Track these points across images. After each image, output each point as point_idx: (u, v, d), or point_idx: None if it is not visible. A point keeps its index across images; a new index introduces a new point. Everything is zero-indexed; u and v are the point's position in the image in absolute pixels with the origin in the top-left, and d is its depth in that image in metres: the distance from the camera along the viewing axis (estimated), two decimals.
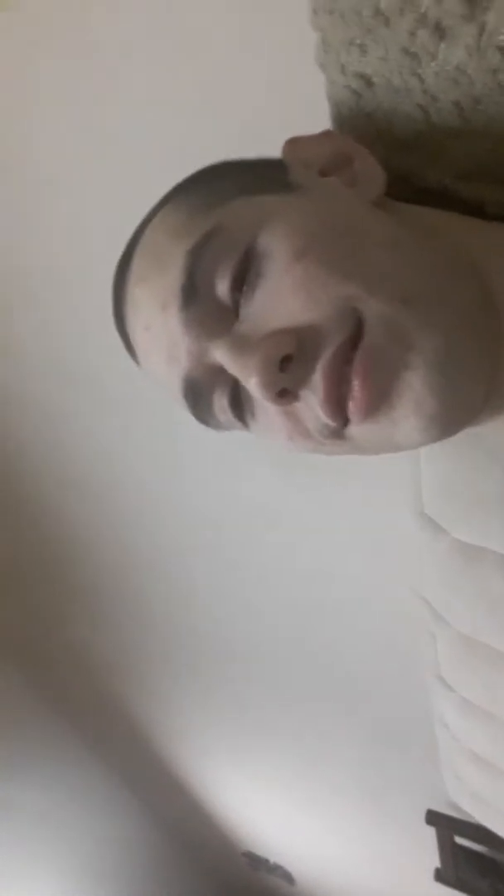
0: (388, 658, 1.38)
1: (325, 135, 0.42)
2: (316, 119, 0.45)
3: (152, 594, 1.76)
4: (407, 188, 0.43)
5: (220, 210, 0.35)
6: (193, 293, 0.35)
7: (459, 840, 1.76)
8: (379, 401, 0.33)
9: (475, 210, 0.42)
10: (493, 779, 0.66)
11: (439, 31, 0.36)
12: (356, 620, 1.35)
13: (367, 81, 0.40)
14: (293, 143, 0.42)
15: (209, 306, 0.35)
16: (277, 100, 0.65)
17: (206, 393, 0.38)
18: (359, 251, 0.33)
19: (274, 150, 0.42)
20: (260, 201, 0.35)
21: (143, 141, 0.81)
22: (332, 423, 0.34)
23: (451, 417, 0.34)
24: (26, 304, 1.15)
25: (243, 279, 0.34)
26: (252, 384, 0.33)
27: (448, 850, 1.80)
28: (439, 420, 0.33)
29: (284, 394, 0.34)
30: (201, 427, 0.41)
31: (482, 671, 0.57)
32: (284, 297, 0.33)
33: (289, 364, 0.33)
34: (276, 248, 0.33)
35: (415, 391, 0.32)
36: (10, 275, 1.12)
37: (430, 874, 1.95)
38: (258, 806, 2.75)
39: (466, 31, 0.35)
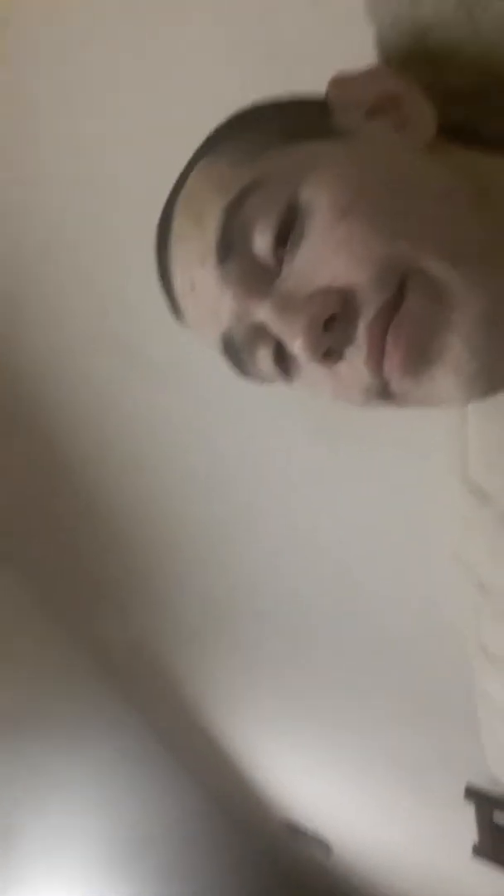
0: (431, 632, 1.37)
1: (374, 72, 0.39)
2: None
3: (197, 573, 1.79)
4: (462, 134, 0.42)
5: (260, 161, 0.34)
6: (229, 250, 0.34)
7: (498, 816, 1.76)
8: (416, 360, 0.32)
9: None
10: None
11: None
12: (398, 594, 1.35)
13: (422, 28, 0.39)
14: (339, 83, 0.39)
15: (248, 263, 0.35)
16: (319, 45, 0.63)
17: (247, 349, 0.38)
18: (407, 204, 0.32)
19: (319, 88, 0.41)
20: (301, 149, 0.34)
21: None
22: (375, 381, 0.34)
23: (492, 376, 0.34)
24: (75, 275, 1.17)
25: (286, 236, 0.33)
26: (297, 346, 0.33)
27: (486, 826, 1.80)
28: (480, 379, 0.33)
29: (330, 353, 0.34)
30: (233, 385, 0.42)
31: None
32: (329, 256, 0.32)
33: (333, 323, 0.33)
34: (319, 204, 0.32)
35: (454, 352, 0.32)
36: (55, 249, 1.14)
37: (468, 849, 1.96)
38: (298, 777, 2.80)
39: None
